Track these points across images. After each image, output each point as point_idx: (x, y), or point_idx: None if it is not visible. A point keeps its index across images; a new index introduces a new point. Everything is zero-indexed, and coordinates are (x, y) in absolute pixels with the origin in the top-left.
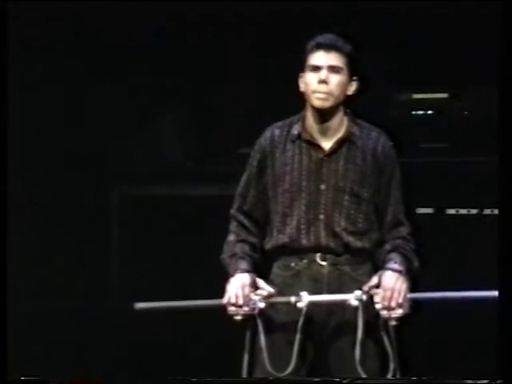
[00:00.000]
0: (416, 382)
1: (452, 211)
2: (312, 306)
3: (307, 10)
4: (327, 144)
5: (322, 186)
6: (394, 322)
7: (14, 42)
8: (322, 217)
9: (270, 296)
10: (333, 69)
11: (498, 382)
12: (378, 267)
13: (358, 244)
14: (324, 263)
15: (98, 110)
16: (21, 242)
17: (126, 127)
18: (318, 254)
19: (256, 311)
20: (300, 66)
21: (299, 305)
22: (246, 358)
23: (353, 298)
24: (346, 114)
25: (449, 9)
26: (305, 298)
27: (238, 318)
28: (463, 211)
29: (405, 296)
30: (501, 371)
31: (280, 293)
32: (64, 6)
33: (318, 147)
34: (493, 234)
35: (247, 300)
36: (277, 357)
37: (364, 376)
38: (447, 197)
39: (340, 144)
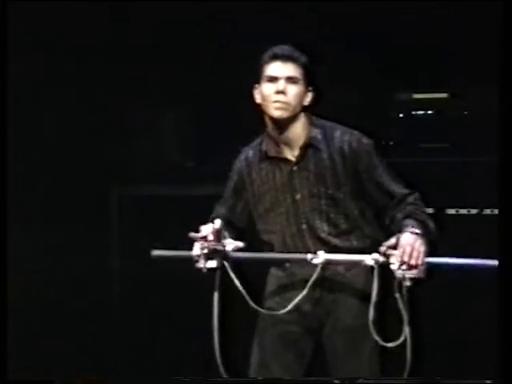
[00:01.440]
0: (417, 382)
1: (452, 211)
2: (326, 267)
3: (307, 10)
4: (292, 155)
5: (298, 196)
6: (408, 283)
7: (14, 42)
8: (304, 226)
9: (238, 249)
10: (290, 79)
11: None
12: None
13: (347, 244)
14: (318, 262)
15: (98, 109)
16: (21, 242)
17: (126, 127)
18: (319, 253)
19: (222, 248)
20: (255, 77)
21: (315, 261)
22: (215, 305)
23: (369, 259)
24: (306, 118)
25: (449, 9)
26: (321, 256)
27: (205, 251)
28: (463, 211)
29: (422, 258)
30: (502, 372)
31: (275, 293)
32: (64, 5)
33: (286, 160)
34: (493, 234)
35: (216, 238)
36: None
37: (376, 337)
38: (447, 197)
39: (304, 151)
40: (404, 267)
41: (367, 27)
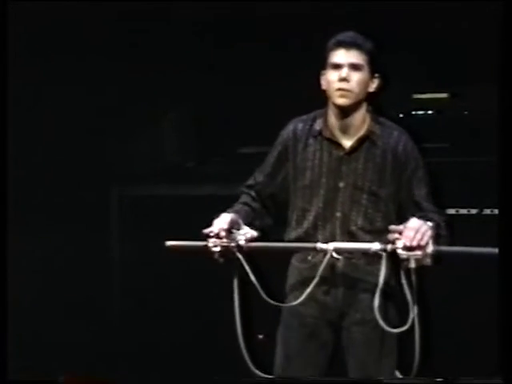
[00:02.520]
0: (421, 382)
1: (452, 211)
2: (337, 264)
3: (308, 9)
4: (348, 142)
5: (341, 184)
6: (413, 265)
7: (14, 42)
8: (338, 215)
9: (252, 239)
10: (354, 66)
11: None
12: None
13: (376, 241)
14: (339, 257)
15: (98, 110)
16: (21, 242)
17: (126, 127)
18: (332, 245)
19: (234, 244)
20: (321, 63)
21: (324, 247)
22: (236, 295)
23: (378, 246)
24: (368, 111)
25: (449, 9)
26: (331, 244)
27: (217, 249)
28: (463, 211)
29: (427, 240)
30: (503, 372)
31: (297, 285)
32: (64, 5)
33: (339, 145)
34: (493, 234)
35: (228, 234)
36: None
37: (382, 323)
38: (447, 197)
39: (360, 142)
40: (409, 248)
41: (367, 27)
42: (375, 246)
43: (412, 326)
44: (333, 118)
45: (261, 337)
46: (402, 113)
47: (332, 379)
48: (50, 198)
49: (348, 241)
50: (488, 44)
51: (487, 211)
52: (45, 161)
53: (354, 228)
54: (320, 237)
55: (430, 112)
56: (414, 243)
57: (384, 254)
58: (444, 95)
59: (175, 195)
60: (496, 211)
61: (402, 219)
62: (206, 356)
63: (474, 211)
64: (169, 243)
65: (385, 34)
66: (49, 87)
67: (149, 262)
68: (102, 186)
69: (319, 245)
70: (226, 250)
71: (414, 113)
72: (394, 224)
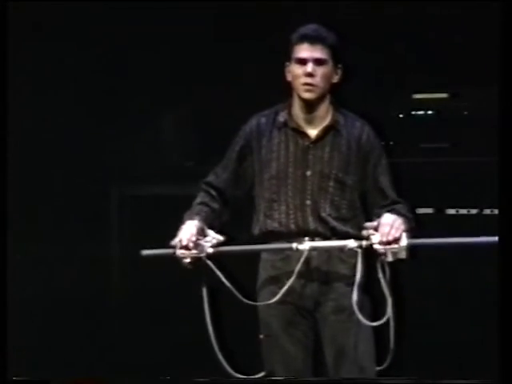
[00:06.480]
0: (416, 382)
1: (452, 211)
2: (310, 254)
3: (303, 11)
4: (313, 132)
5: (308, 173)
6: (390, 258)
7: (14, 42)
8: (308, 202)
9: (218, 244)
10: (318, 61)
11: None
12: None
13: (344, 229)
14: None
15: (98, 109)
16: (20, 242)
17: (126, 127)
18: (307, 238)
19: (204, 254)
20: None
21: (300, 247)
22: (205, 300)
23: (353, 243)
24: (331, 102)
25: (449, 9)
26: (306, 243)
27: (187, 260)
28: (463, 211)
29: (401, 233)
30: (500, 373)
31: (271, 277)
32: (64, 6)
33: (304, 134)
34: (493, 234)
35: (196, 244)
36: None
37: (361, 317)
38: (447, 197)
39: (326, 132)
40: (385, 243)
41: (367, 27)
42: (351, 243)
43: (388, 320)
44: (298, 110)
45: (261, 336)
46: (401, 113)
47: (329, 379)
48: (50, 197)
49: (320, 227)
50: (488, 44)
51: (487, 211)
52: (44, 161)
53: (323, 214)
54: (293, 225)
55: (429, 112)
56: (390, 238)
57: (360, 250)
58: (444, 95)
59: (175, 195)
60: (496, 211)
61: (367, 207)
62: (202, 356)
63: (474, 211)
64: (145, 252)
65: (385, 34)
66: (48, 87)
67: (149, 261)
68: (102, 186)
69: (295, 244)
70: (196, 260)
71: (413, 113)
72: (359, 213)
